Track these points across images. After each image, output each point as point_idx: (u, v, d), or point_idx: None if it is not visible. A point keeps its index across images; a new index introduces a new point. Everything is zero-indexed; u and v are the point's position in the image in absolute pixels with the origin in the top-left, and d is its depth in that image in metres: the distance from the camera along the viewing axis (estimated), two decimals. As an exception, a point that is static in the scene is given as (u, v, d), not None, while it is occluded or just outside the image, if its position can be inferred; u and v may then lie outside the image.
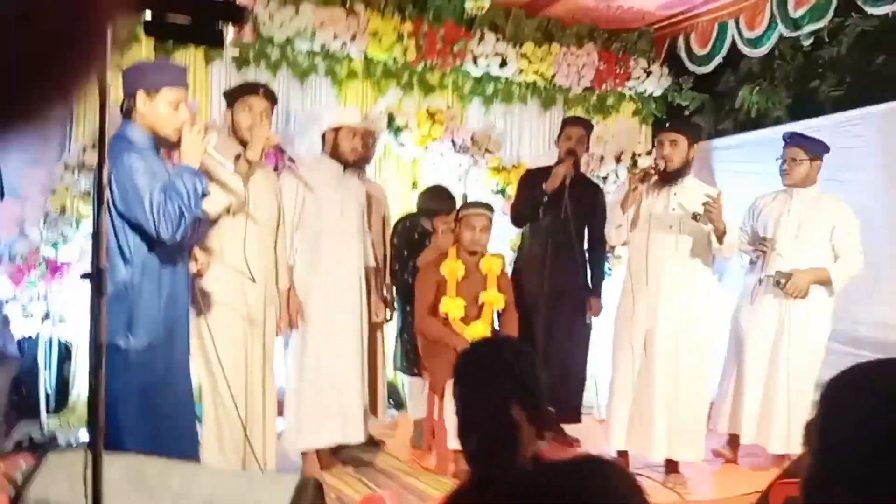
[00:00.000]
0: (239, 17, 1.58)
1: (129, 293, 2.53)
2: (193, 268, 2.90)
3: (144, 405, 2.57)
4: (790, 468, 3.08)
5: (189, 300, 2.86)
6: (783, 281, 3.80)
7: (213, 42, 1.62)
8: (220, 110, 4.54)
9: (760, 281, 3.92)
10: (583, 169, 5.10)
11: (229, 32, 1.64)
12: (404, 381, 4.69)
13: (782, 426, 3.84)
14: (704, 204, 3.55)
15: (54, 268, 4.11)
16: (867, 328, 4.28)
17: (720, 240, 3.64)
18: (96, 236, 1.64)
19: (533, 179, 4.34)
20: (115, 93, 2.64)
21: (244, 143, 3.14)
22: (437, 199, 4.19)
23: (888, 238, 4.12)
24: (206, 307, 3.03)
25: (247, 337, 3.18)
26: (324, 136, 3.80)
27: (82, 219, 4.11)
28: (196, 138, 2.60)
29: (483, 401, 1.51)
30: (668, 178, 3.75)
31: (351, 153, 3.73)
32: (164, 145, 2.74)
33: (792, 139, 3.94)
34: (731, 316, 4.14)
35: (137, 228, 2.54)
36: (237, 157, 3.05)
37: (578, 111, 5.63)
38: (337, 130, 3.75)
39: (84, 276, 1.74)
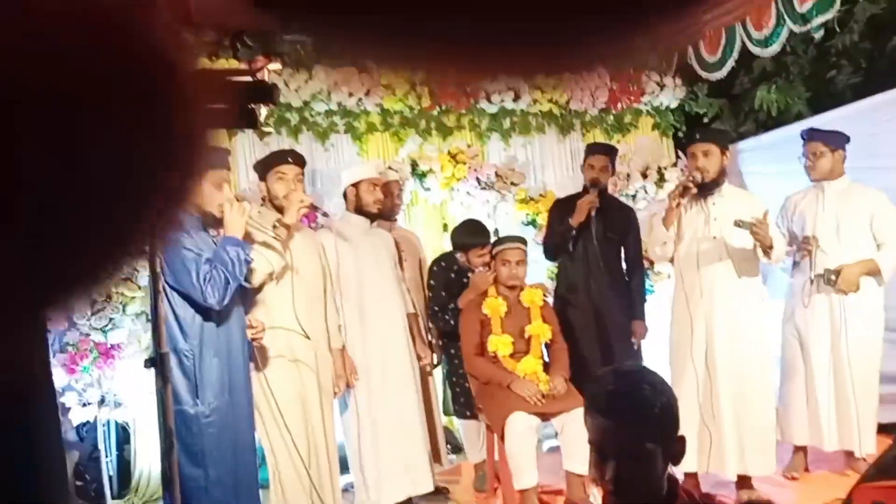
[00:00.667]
0: (270, 96, 1.62)
1: (191, 361, 2.71)
2: (250, 333, 3.02)
3: (216, 467, 2.74)
4: (870, 471, 3.01)
5: (248, 364, 3.02)
6: (834, 277, 3.74)
7: (248, 124, 1.66)
8: (248, 180, 4.65)
9: (811, 281, 3.85)
10: (611, 189, 5.11)
11: (262, 112, 1.69)
12: (459, 425, 4.65)
13: (853, 426, 3.74)
14: (752, 225, 3.50)
15: (105, 352, 4.19)
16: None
17: (767, 254, 3.59)
18: (155, 324, 1.68)
19: (560, 211, 4.34)
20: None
21: (281, 210, 3.23)
22: (470, 233, 4.17)
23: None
24: (263, 365, 3.13)
25: (307, 398, 3.21)
26: (345, 194, 3.87)
27: (128, 302, 4.20)
28: (237, 214, 2.82)
29: (618, 433, 1.49)
30: (706, 188, 3.71)
31: (374, 205, 3.79)
32: (210, 222, 2.94)
33: (810, 135, 3.92)
34: (784, 320, 4.05)
35: (189, 298, 2.73)
36: (275, 225, 3.13)
37: (597, 133, 5.66)
38: (357, 185, 3.81)
39: (147, 363, 1.77)
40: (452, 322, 4.04)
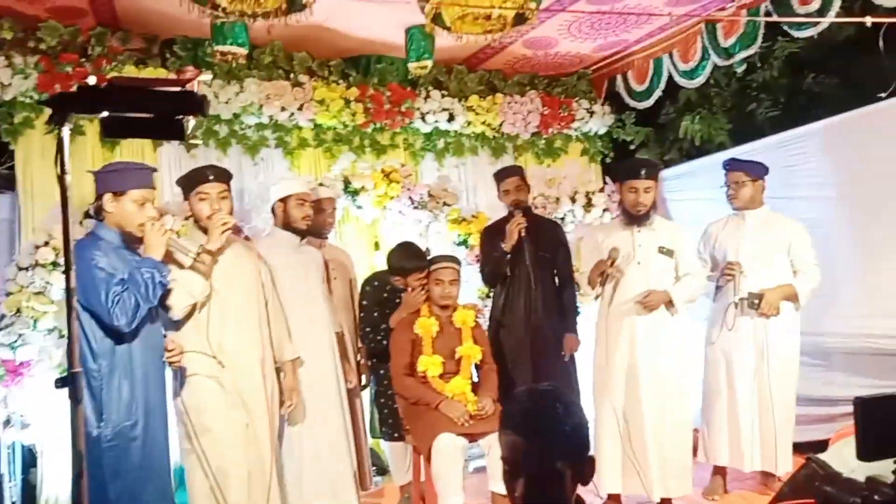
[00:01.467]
0: (199, 107, 1.57)
1: (98, 382, 2.68)
2: (166, 356, 2.93)
3: (121, 490, 2.69)
4: (783, 490, 3.12)
5: (164, 386, 2.94)
6: (757, 301, 3.87)
7: (174, 135, 1.60)
8: (171, 194, 4.52)
9: (735, 305, 3.97)
10: (540, 212, 5.20)
11: (190, 124, 1.63)
12: (385, 447, 4.59)
13: (773, 447, 3.86)
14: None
15: (13, 370, 3.97)
16: (830, 339, 4.36)
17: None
18: (70, 342, 1.59)
19: (491, 237, 4.39)
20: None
21: (206, 232, 3.11)
22: (408, 256, 4.09)
23: (839, 250, 4.23)
24: (182, 388, 3.04)
25: (230, 421, 3.09)
26: (274, 210, 3.79)
27: (39, 317, 4.00)
28: (157, 234, 2.80)
29: (529, 451, 1.51)
30: (639, 220, 3.89)
31: (302, 221, 3.73)
32: (133, 241, 2.88)
33: (731, 165, 4.08)
34: (706, 343, 4.16)
35: (98, 318, 2.70)
36: (198, 252, 3.05)
37: (529, 157, 5.77)
38: (285, 201, 3.74)
39: (58, 382, 1.68)
40: (384, 342, 3.99)
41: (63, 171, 1.61)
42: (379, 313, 4.13)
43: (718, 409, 4.05)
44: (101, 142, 4.49)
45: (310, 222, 3.80)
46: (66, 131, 1.60)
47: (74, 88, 1.64)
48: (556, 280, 4.40)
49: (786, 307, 3.93)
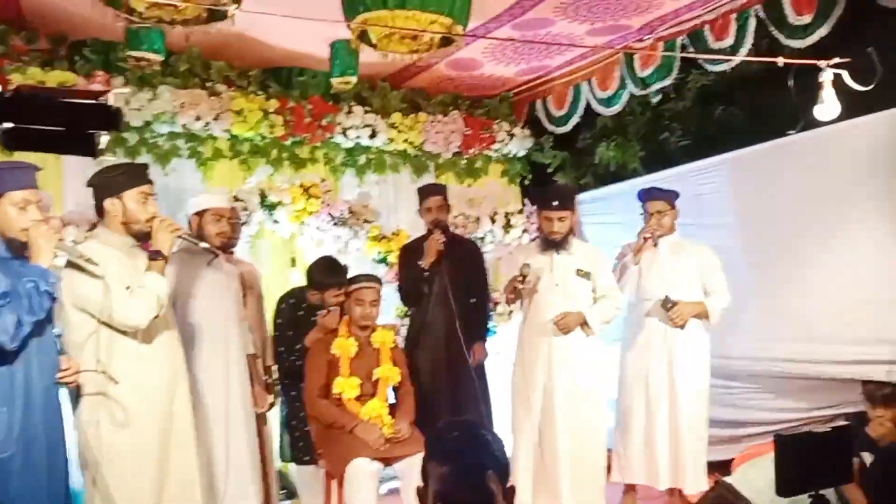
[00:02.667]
0: (113, 122, 1.47)
1: None
2: (58, 376, 2.68)
3: None
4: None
5: (58, 408, 2.68)
6: (670, 305, 3.96)
7: (85, 151, 1.49)
8: (74, 202, 4.28)
9: (647, 314, 4.07)
10: (460, 232, 5.22)
11: (103, 139, 1.52)
12: (294, 470, 4.45)
13: (686, 465, 3.95)
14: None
15: None
16: (737, 362, 4.52)
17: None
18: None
19: (410, 256, 4.38)
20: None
21: (138, 236, 2.87)
22: (328, 272, 4.00)
23: (743, 275, 4.40)
24: (78, 409, 2.82)
25: (143, 445, 2.90)
26: (189, 223, 3.65)
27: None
28: (43, 238, 2.51)
29: (466, 477, 1.56)
30: (558, 244, 3.99)
31: (217, 237, 3.60)
32: (17, 247, 2.58)
33: (652, 194, 4.16)
34: (621, 363, 4.24)
35: None
36: (151, 258, 2.84)
37: (450, 176, 5.78)
38: (201, 215, 3.61)
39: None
40: (298, 362, 3.89)
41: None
42: (294, 332, 4.02)
43: (634, 429, 4.11)
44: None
45: (225, 239, 3.68)
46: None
47: (-27, 94, 1.50)
48: (472, 299, 4.42)
49: (695, 327, 4.05)
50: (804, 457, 2.03)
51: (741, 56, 4.26)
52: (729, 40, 4.34)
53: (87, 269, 2.68)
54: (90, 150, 1.47)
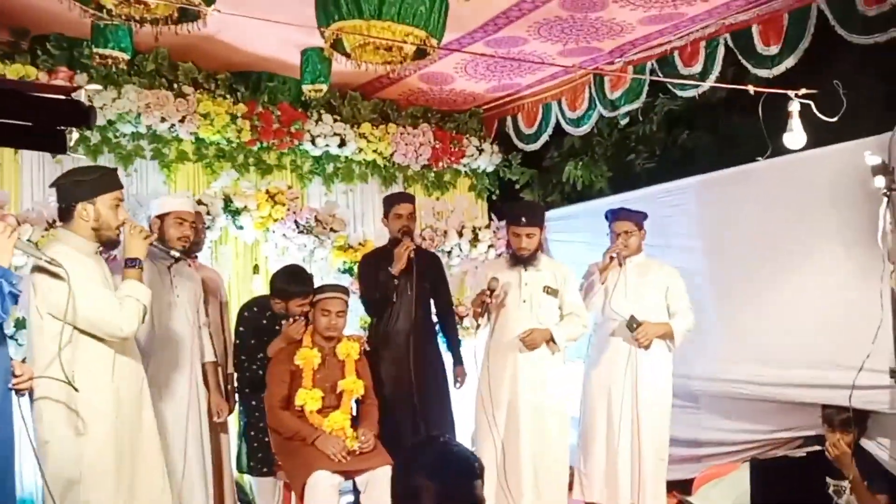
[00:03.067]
0: (85, 119, 1.41)
1: None
2: (12, 383, 2.56)
3: None
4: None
5: (10, 418, 2.53)
6: (635, 325, 3.98)
7: (55, 147, 1.43)
8: (32, 201, 4.15)
9: (612, 333, 4.09)
10: (426, 245, 5.20)
11: (73, 136, 1.46)
12: (252, 482, 4.36)
13: (647, 483, 3.97)
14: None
15: None
16: (700, 383, 4.56)
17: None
18: None
19: (374, 263, 4.30)
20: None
21: (108, 242, 2.82)
22: (293, 280, 3.93)
23: (706, 298, 4.45)
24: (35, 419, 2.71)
25: (99, 458, 2.79)
26: (150, 226, 3.56)
27: None
28: (1, 237, 2.39)
29: (457, 490, 1.66)
30: (526, 261, 4.02)
31: (179, 242, 3.52)
32: None
33: (620, 214, 4.19)
34: (584, 380, 4.26)
35: None
36: (127, 265, 2.79)
37: (418, 188, 5.76)
38: (163, 218, 3.53)
39: None
40: (260, 372, 3.80)
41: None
42: (256, 341, 3.94)
43: (597, 447, 4.13)
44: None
45: (186, 243, 3.59)
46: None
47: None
48: (435, 311, 4.43)
49: (660, 346, 4.08)
50: (777, 481, 2.04)
51: (709, 83, 4.33)
52: (698, 67, 4.42)
53: (50, 270, 2.58)
54: (59, 146, 1.41)
